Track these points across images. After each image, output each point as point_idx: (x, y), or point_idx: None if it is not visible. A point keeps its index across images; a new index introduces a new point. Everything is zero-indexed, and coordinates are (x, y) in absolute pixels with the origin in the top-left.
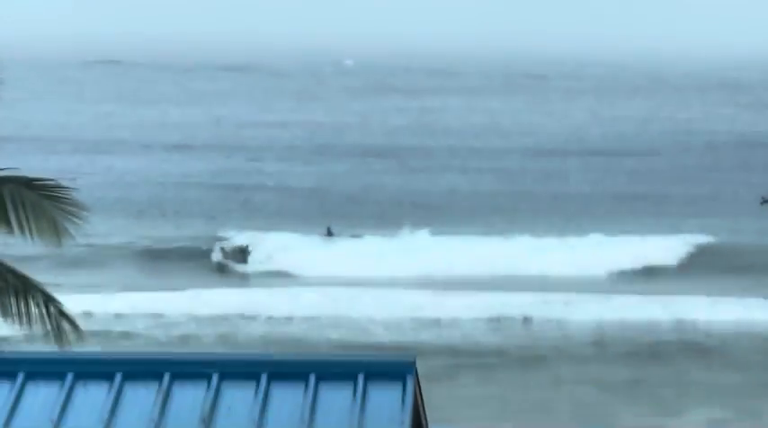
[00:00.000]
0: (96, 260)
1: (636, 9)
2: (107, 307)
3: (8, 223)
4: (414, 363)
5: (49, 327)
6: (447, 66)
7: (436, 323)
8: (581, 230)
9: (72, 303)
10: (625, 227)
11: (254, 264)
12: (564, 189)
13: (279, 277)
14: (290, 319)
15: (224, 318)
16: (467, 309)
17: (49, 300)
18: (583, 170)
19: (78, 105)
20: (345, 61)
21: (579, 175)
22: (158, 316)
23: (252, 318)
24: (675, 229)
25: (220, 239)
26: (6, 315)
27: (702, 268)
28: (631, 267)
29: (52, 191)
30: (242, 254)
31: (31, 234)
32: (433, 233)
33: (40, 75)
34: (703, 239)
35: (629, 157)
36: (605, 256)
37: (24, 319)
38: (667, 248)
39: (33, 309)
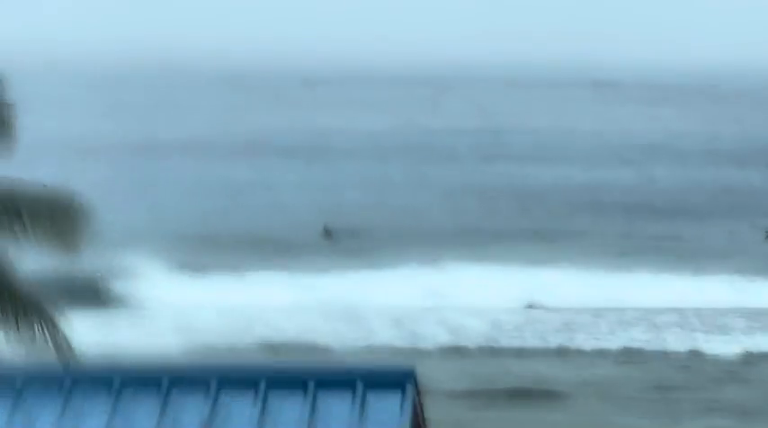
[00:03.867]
0: None
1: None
2: None
3: (15, 231)
4: (413, 372)
5: (47, 344)
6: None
7: None
8: None
9: None
10: None
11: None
12: None
13: None
14: None
15: None
16: None
17: (46, 320)
18: None
19: None
20: None
21: None
22: None
23: None
24: None
25: None
26: (8, 331)
27: None
28: None
29: (63, 199)
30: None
31: (40, 243)
32: None
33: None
34: None
35: None
36: None
37: (25, 336)
38: None
39: (32, 326)
